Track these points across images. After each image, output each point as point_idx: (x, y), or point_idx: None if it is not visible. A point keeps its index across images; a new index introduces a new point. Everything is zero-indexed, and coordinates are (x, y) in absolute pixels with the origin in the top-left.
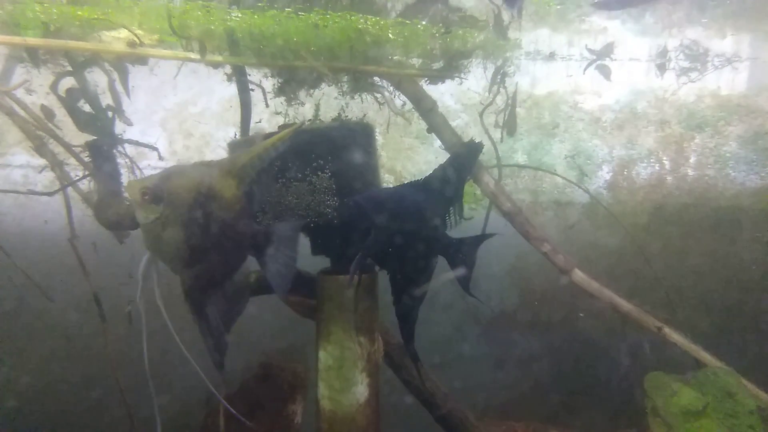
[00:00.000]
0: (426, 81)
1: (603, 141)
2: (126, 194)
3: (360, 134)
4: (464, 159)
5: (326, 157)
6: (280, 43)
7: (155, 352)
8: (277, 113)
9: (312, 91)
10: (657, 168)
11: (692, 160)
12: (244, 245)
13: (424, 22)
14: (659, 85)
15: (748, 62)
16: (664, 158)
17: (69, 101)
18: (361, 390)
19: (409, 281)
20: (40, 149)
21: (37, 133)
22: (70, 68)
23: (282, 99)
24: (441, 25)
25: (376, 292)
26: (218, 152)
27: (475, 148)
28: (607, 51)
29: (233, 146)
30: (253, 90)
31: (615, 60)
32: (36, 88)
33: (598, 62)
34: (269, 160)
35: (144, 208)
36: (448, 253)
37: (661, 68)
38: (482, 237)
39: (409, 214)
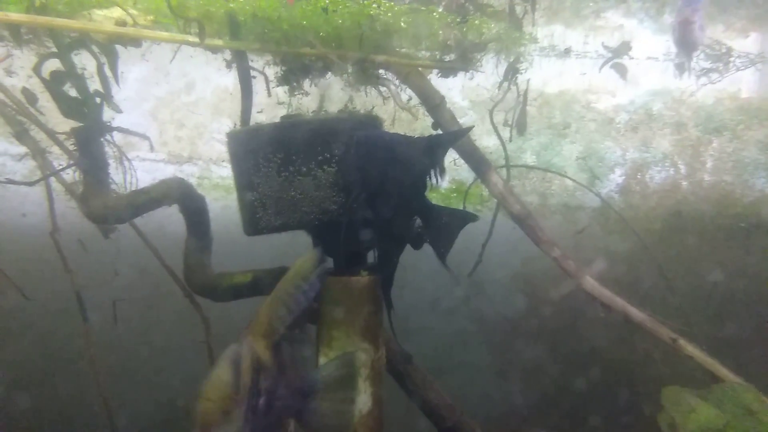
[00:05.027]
0: (437, 74)
1: (616, 143)
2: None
3: (368, 126)
4: (446, 142)
5: (332, 150)
6: (286, 28)
7: (145, 360)
8: (280, 103)
9: (317, 80)
10: (672, 172)
11: (709, 164)
12: (296, 400)
13: (439, 9)
14: (676, 85)
15: None
16: (680, 162)
17: (53, 85)
18: (363, 399)
19: (390, 230)
20: (20, 136)
21: (18, 118)
22: (55, 49)
23: (285, 88)
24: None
25: (379, 295)
26: (212, 144)
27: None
28: (624, 49)
29: (233, 136)
30: (254, 77)
31: (632, 59)
32: (17, 69)
33: (614, 60)
34: (298, 310)
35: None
36: (425, 215)
37: (680, 68)
38: (467, 216)
39: (400, 160)
